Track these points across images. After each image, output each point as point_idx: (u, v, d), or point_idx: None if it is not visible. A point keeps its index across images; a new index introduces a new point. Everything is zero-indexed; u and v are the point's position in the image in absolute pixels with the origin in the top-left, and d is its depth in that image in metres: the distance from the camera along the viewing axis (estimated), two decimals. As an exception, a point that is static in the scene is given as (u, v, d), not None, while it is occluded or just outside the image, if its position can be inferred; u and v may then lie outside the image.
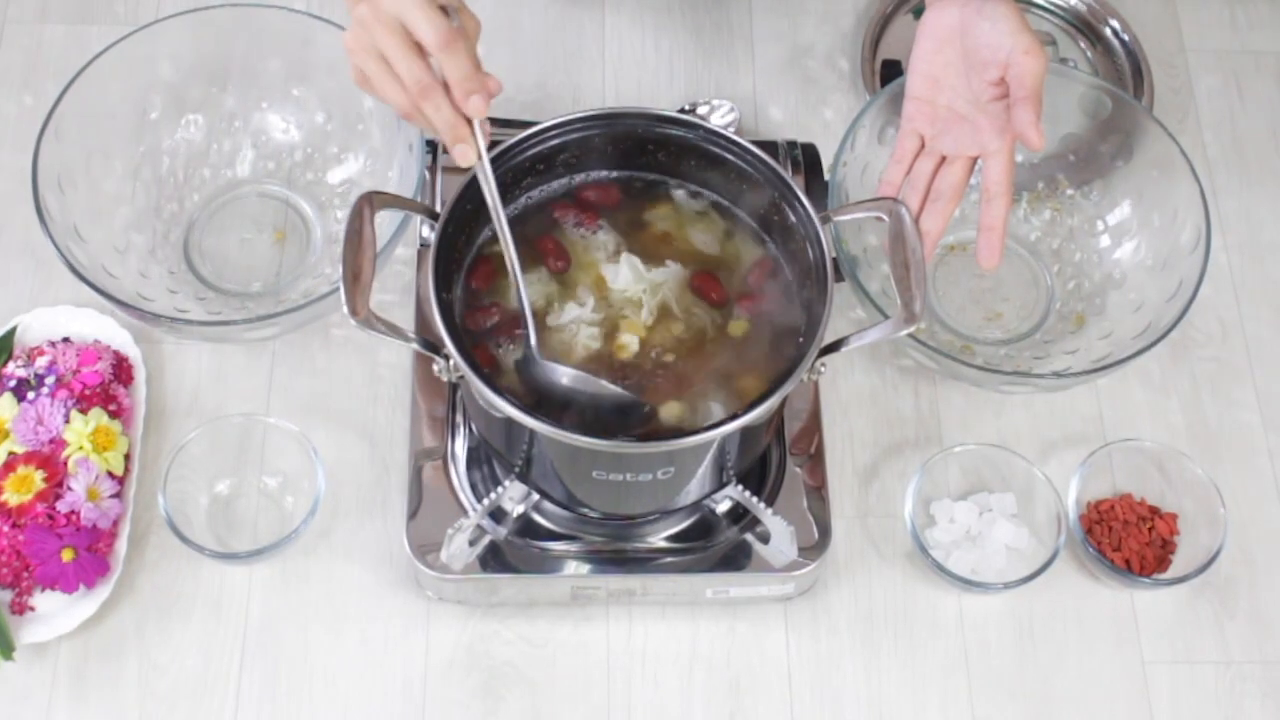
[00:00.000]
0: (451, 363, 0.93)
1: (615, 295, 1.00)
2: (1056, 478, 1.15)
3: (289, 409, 1.17)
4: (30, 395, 1.10)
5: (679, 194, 1.04)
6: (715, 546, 1.09)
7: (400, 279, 1.22)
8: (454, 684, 1.08)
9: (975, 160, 1.06)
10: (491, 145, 0.99)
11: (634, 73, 1.35)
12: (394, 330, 0.90)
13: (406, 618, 1.10)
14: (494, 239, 1.02)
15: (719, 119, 1.31)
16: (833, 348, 0.94)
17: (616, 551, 1.08)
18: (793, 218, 0.99)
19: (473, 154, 0.91)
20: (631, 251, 1.01)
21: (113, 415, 1.11)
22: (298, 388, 1.18)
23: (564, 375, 0.95)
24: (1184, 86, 1.37)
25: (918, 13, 1.37)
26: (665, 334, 0.99)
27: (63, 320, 1.17)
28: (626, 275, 1.00)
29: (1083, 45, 1.38)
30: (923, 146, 1.07)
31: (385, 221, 1.09)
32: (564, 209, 1.03)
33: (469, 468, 1.10)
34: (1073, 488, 1.14)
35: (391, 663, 1.09)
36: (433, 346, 0.94)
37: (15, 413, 1.10)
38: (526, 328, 0.95)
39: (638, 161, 1.04)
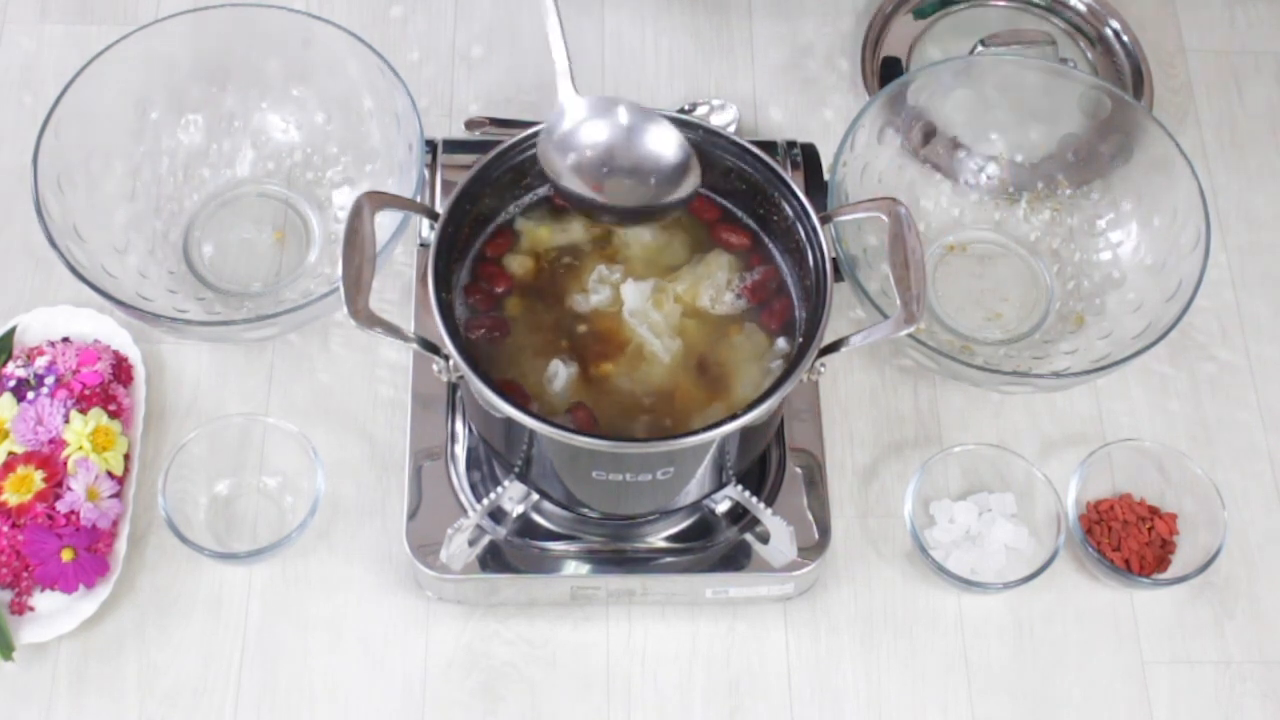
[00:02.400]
0: (451, 363, 0.93)
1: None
2: (1056, 478, 1.15)
3: (289, 409, 1.17)
4: (30, 395, 1.10)
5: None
6: (715, 546, 1.09)
7: (400, 279, 1.22)
8: (454, 684, 1.08)
9: None
10: (491, 145, 1.00)
11: (634, 73, 1.35)
12: (394, 330, 0.90)
13: (406, 618, 1.10)
14: (494, 238, 1.02)
15: (719, 119, 1.31)
16: (833, 348, 0.94)
17: (616, 551, 1.08)
18: (793, 218, 0.99)
19: None
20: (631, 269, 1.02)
21: (112, 415, 1.11)
22: (297, 388, 1.18)
23: (588, 136, 0.95)
24: (1184, 86, 1.37)
25: (918, 13, 1.37)
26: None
27: (62, 320, 1.17)
28: (634, 300, 1.00)
29: (1082, 45, 1.38)
30: None
31: (385, 221, 1.09)
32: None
33: (469, 468, 1.10)
34: (1072, 488, 1.14)
35: (391, 663, 1.09)
36: (433, 346, 0.93)
37: (15, 413, 1.10)
38: (564, 71, 0.95)
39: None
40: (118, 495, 1.09)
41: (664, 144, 0.98)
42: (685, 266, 1.02)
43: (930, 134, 1.25)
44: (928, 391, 1.21)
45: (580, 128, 0.98)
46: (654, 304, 1.00)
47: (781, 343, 0.99)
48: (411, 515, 1.08)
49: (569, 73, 0.96)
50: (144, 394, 1.15)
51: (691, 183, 0.99)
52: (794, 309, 1.01)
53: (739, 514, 1.09)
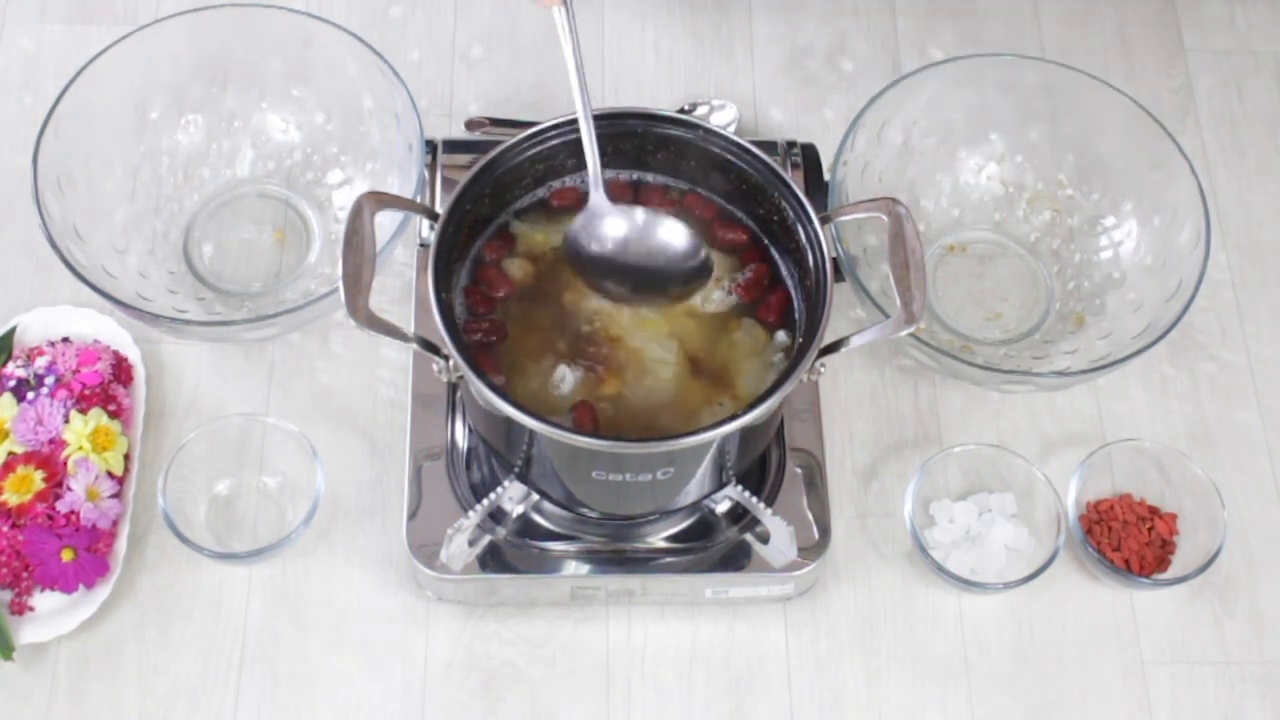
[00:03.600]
0: (451, 363, 0.93)
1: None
2: (1056, 478, 1.15)
3: (289, 409, 1.17)
4: (30, 395, 1.10)
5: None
6: (715, 547, 1.09)
7: (400, 279, 1.22)
8: (454, 684, 1.08)
9: None
10: (491, 145, 1.00)
11: (634, 73, 1.35)
12: (394, 330, 0.91)
13: (406, 618, 1.10)
14: (494, 239, 1.02)
15: (719, 119, 1.31)
16: (833, 348, 0.94)
17: (616, 551, 1.08)
18: (793, 218, 0.99)
19: None
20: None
21: (112, 415, 1.11)
22: (297, 388, 1.18)
23: (628, 217, 0.99)
24: (1184, 86, 1.37)
25: None
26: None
27: (62, 320, 1.17)
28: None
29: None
30: None
31: (385, 221, 1.09)
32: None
33: (469, 468, 1.10)
34: (1072, 488, 1.14)
35: (391, 663, 1.09)
36: (432, 346, 0.94)
37: (15, 413, 1.10)
38: (591, 170, 0.98)
39: (638, 161, 1.04)
40: (118, 495, 1.09)
41: (674, 235, 1.01)
42: None
43: None
44: (928, 391, 1.21)
45: (603, 221, 1.00)
46: (642, 315, 1.00)
47: (781, 335, 1.00)
48: (411, 515, 1.08)
49: (600, 177, 1.00)
50: (144, 394, 1.15)
51: (702, 261, 1.01)
52: (791, 301, 1.01)
53: (739, 514, 1.09)
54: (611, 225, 1.00)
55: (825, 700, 1.09)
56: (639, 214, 1.01)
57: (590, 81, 1.33)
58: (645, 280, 1.01)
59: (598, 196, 1.00)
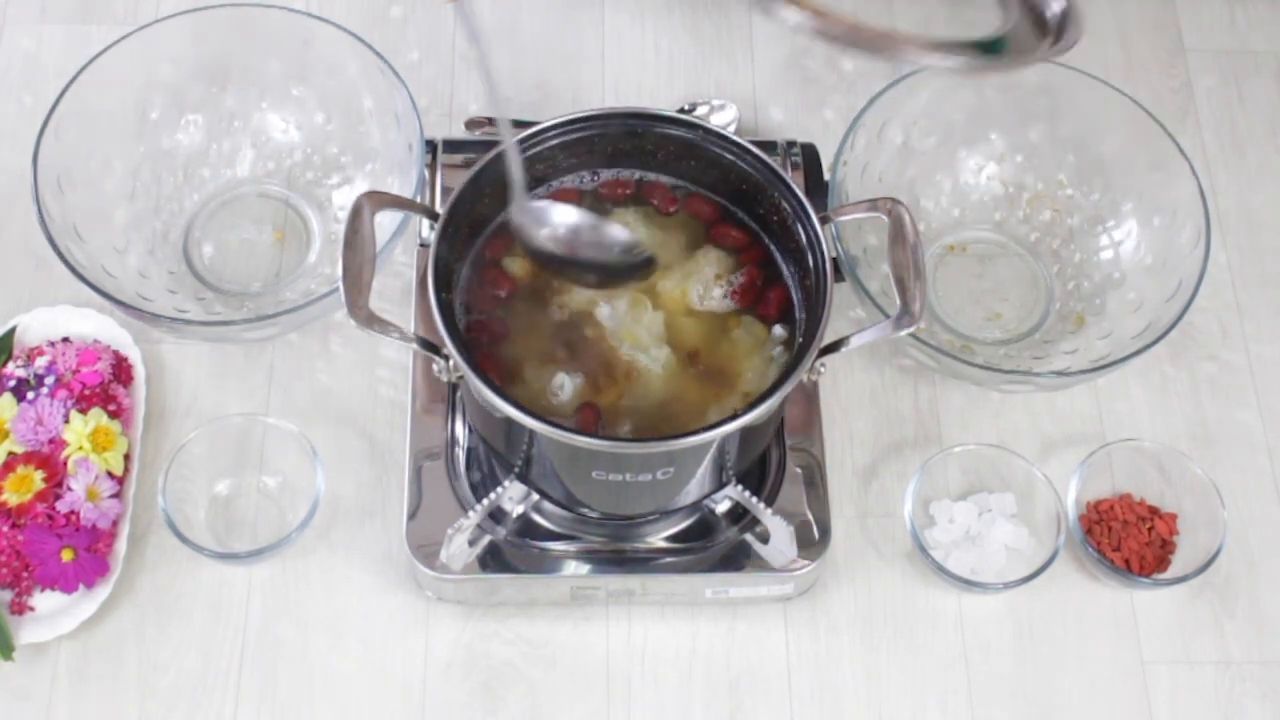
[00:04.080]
0: (451, 363, 0.93)
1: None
2: (1056, 478, 1.15)
3: (289, 409, 1.17)
4: (30, 395, 1.10)
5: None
6: (715, 546, 1.09)
7: (400, 279, 1.22)
8: (454, 684, 1.09)
9: None
10: (491, 145, 1.00)
11: (634, 73, 1.35)
12: (394, 330, 0.91)
13: (406, 618, 1.10)
14: (494, 239, 1.02)
15: (719, 119, 1.31)
16: (833, 348, 0.94)
17: (616, 551, 1.08)
18: (793, 218, 0.99)
19: None
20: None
21: (112, 415, 1.11)
22: (297, 388, 1.18)
23: (559, 216, 0.98)
24: (1184, 86, 1.37)
25: None
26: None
27: (62, 320, 1.17)
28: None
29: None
30: None
31: (385, 221, 1.09)
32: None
33: (469, 468, 1.10)
34: (1072, 488, 1.14)
35: (391, 663, 1.09)
36: (433, 346, 0.94)
37: (15, 413, 1.10)
38: (511, 172, 0.96)
39: (638, 162, 1.04)
40: (118, 495, 1.09)
41: (619, 231, 1.00)
42: (675, 264, 1.02)
43: None
44: (928, 391, 1.21)
45: (550, 210, 0.99)
46: (633, 318, 1.00)
47: (779, 329, 0.99)
48: (411, 515, 1.08)
49: (524, 187, 0.98)
50: (144, 394, 1.15)
51: (646, 256, 1.00)
52: (789, 296, 1.01)
53: (739, 514, 1.09)
54: (558, 213, 0.99)
55: (825, 700, 1.09)
56: (569, 218, 0.99)
57: (590, 81, 1.34)
58: (593, 273, 1.00)
59: (518, 203, 0.98)
